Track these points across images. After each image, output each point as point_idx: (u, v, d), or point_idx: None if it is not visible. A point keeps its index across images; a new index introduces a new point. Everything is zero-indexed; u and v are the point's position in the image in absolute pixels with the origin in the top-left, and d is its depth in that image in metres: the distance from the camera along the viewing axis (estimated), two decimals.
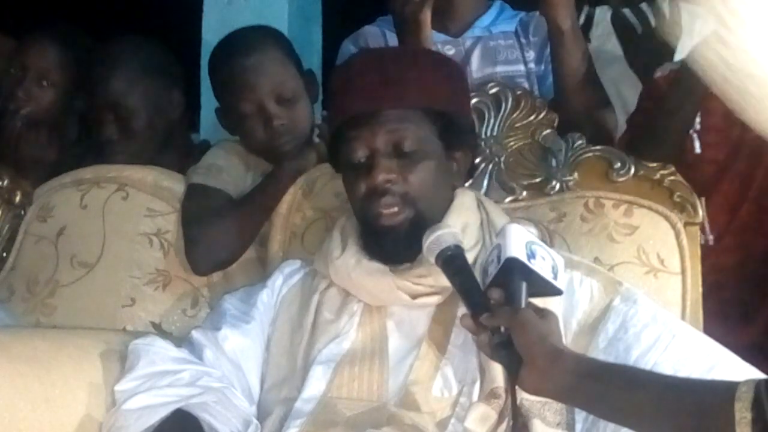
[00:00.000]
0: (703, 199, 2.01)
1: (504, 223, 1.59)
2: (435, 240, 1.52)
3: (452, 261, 1.50)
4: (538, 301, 1.44)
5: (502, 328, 1.38)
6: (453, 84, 1.76)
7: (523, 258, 1.41)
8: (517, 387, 1.40)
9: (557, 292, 1.46)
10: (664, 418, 1.24)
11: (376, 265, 1.66)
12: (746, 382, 1.18)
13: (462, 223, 1.65)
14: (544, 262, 1.43)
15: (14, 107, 2.42)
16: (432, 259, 1.52)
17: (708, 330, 1.77)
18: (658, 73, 2.11)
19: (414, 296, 1.64)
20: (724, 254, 2.02)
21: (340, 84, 1.75)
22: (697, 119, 2.04)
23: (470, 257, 1.57)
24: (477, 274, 1.50)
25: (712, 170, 2.05)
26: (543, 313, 1.40)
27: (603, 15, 2.52)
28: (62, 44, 2.47)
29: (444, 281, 1.55)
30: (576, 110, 2.03)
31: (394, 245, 1.64)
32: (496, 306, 1.41)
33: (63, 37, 2.49)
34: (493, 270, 1.44)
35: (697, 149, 2.05)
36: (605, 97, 2.11)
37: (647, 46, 2.24)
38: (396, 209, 1.63)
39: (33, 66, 2.44)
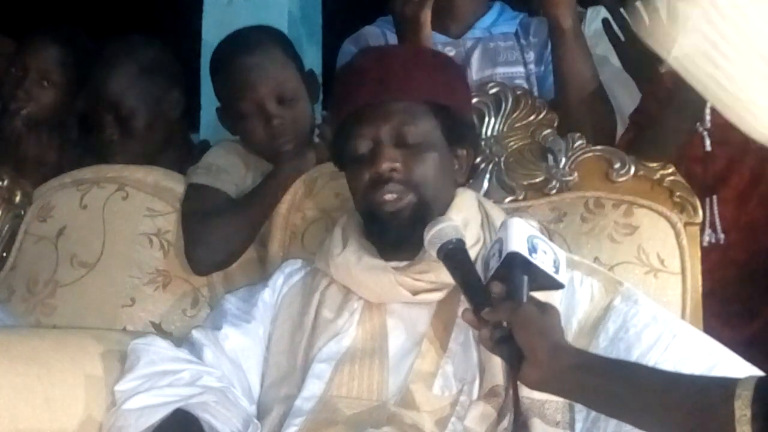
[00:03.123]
0: (714, 197, 2.01)
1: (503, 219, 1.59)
2: (437, 233, 1.52)
3: (454, 255, 1.50)
4: (540, 296, 1.44)
5: (504, 323, 1.38)
6: (455, 81, 1.77)
7: (525, 252, 1.41)
8: (518, 384, 1.40)
9: (559, 286, 1.46)
10: (665, 414, 1.24)
11: (377, 262, 1.67)
12: (746, 379, 1.18)
13: (463, 220, 1.65)
14: (546, 256, 1.43)
15: (15, 107, 2.42)
16: (433, 253, 1.52)
17: (710, 324, 1.78)
18: (663, 69, 2.10)
19: (414, 292, 1.65)
20: (732, 249, 2.02)
21: (344, 80, 1.77)
22: (708, 117, 2.03)
23: (470, 255, 1.57)
24: (478, 268, 1.50)
25: (721, 166, 2.05)
26: (544, 308, 1.40)
27: (594, 16, 2.51)
28: (63, 44, 2.47)
29: (445, 277, 1.56)
30: (576, 110, 2.03)
31: (396, 233, 1.65)
32: (497, 300, 1.41)
33: (63, 38, 2.49)
34: (494, 264, 1.44)
35: (708, 147, 2.05)
36: (605, 96, 2.10)
37: (644, 46, 2.24)
38: (398, 195, 1.64)
39: (34, 66, 2.44)
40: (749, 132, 0.98)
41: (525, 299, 1.40)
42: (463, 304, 1.48)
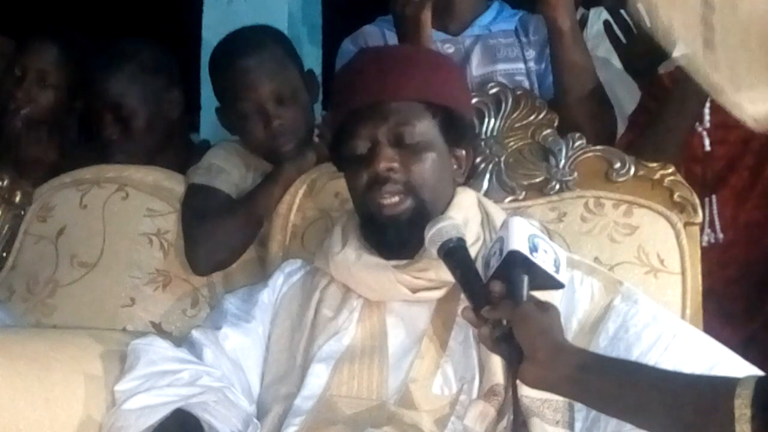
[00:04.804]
0: (714, 197, 2.01)
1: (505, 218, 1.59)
2: (437, 232, 1.52)
3: (454, 253, 1.50)
4: (540, 296, 1.44)
5: (504, 321, 1.38)
6: (453, 81, 1.77)
7: (525, 251, 1.41)
8: (518, 383, 1.40)
9: (559, 285, 1.46)
10: (664, 413, 1.24)
11: (376, 260, 1.67)
12: (746, 378, 1.18)
13: (463, 219, 1.65)
14: (547, 256, 1.43)
15: (14, 107, 2.42)
16: (434, 251, 1.52)
17: (709, 324, 1.78)
18: (662, 70, 2.10)
19: (414, 290, 1.65)
20: (731, 248, 2.01)
21: (343, 81, 1.77)
22: (707, 117, 2.03)
23: (471, 254, 1.57)
24: (479, 267, 1.50)
25: (721, 166, 2.05)
26: (544, 306, 1.40)
27: (597, 17, 2.51)
28: (62, 45, 2.47)
29: (445, 275, 1.56)
30: (576, 110, 2.03)
31: (396, 236, 1.65)
32: (497, 299, 1.41)
33: (63, 38, 2.49)
34: (495, 262, 1.44)
35: (707, 147, 2.05)
36: (605, 96, 2.10)
37: (645, 47, 2.24)
38: (397, 199, 1.64)
39: (33, 66, 2.44)
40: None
41: (525, 298, 1.40)
42: (463, 303, 1.48)
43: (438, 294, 1.65)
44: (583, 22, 2.57)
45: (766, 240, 2.03)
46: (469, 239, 1.62)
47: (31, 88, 2.44)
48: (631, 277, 1.77)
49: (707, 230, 2.00)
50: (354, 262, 1.68)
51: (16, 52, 2.51)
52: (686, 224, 1.85)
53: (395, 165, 1.64)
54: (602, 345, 1.56)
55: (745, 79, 0.90)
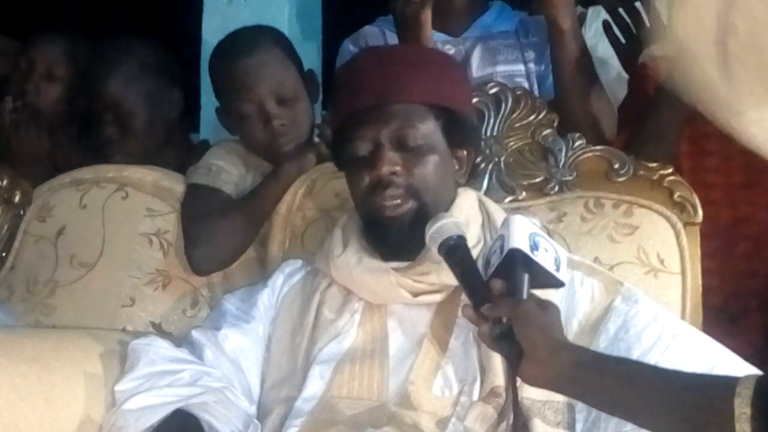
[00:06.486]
0: None
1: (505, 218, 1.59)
2: (438, 229, 1.52)
3: (455, 251, 1.50)
4: (540, 295, 1.44)
5: (504, 319, 1.38)
6: (456, 82, 1.77)
7: (526, 249, 1.41)
8: (518, 384, 1.40)
9: (559, 284, 1.46)
10: (665, 412, 1.24)
11: (378, 263, 1.67)
12: (746, 377, 1.18)
13: (464, 220, 1.65)
14: (547, 254, 1.43)
15: (20, 103, 2.42)
16: (434, 249, 1.52)
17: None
18: (639, 61, 2.10)
19: (415, 294, 1.65)
20: (702, 259, 1.99)
21: (344, 81, 1.77)
22: None
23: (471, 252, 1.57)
24: (479, 265, 1.50)
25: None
26: (545, 305, 1.40)
27: (595, 16, 2.51)
28: (68, 39, 2.48)
29: (446, 279, 1.56)
30: (576, 109, 2.03)
31: (397, 237, 1.65)
32: (497, 296, 1.41)
33: (69, 33, 2.50)
34: (495, 261, 1.44)
35: None
36: (606, 96, 2.11)
37: (644, 47, 2.24)
38: (399, 201, 1.64)
39: (41, 59, 2.45)
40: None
41: (525, 296, 1.40)
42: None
43: (439, 297, 1.65)
44: (581, 21, 2.57)
45: (739, 250, 2.01)
46: (470, 241, 1.61)
47: (40, 81, 2.45)
48: (631, 277, 1.77)
49: None
50: (355, 265, 1.68)
51: (23, 49, 2.52)
52: (686, 224, 1.85)
53: (398, 168, 1.64)
54: (602, 345, 1.56)
55: (762, 97, 0.91)
